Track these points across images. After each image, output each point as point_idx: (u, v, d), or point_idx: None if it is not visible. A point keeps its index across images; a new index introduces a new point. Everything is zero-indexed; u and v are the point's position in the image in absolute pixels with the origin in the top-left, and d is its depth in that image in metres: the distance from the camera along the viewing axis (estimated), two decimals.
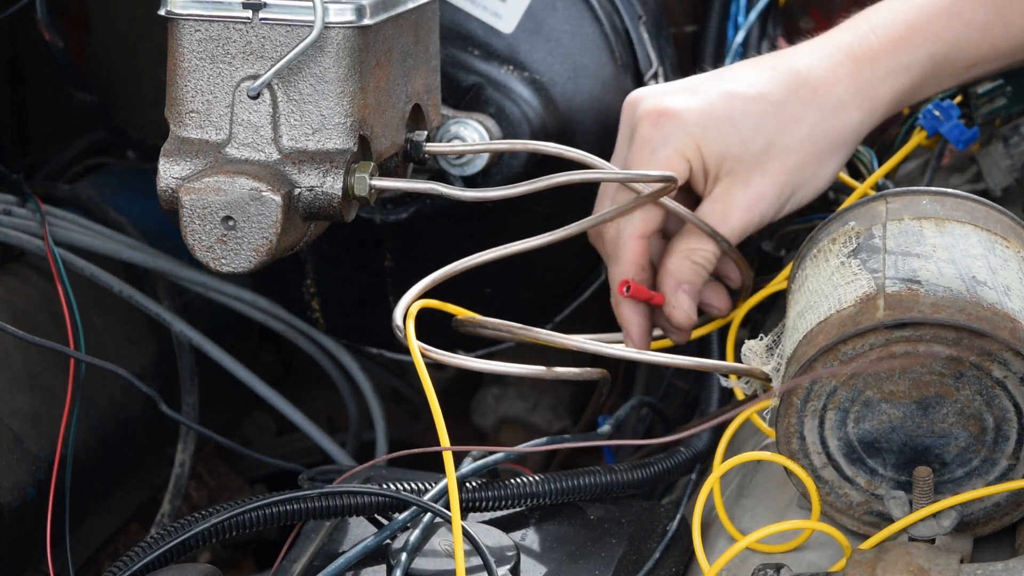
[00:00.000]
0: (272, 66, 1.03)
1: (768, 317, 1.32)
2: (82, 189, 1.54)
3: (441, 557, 0.98)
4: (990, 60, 1.21)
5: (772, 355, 1.06)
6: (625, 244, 1.16)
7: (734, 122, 1.16)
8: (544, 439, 1.16)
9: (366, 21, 1.04)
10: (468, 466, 1.08)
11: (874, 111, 1.19)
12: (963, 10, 1.19)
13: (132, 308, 1.42)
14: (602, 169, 1.11)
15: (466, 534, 0.95)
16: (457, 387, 1.71)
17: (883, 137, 1.32)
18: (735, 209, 1.16)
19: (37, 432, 1.27)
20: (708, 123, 1.15)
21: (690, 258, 1.16)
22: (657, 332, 1.22)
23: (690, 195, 1.19)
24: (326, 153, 1.05)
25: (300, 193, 1.04)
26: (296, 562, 1.04)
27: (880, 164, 1.29)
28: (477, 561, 0.96)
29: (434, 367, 1.08)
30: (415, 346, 0.99)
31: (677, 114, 1.16)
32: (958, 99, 1.29)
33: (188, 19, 1.05)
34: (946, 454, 0.96)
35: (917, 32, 1.20)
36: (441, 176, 1.26)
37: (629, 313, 1.17)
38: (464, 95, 1.28)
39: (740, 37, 1.43)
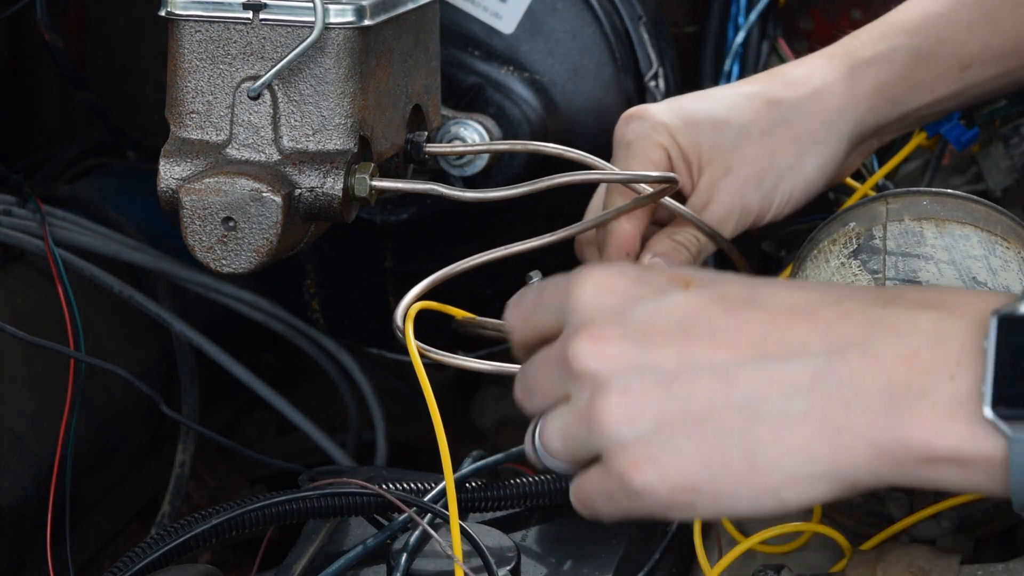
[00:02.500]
0: (272, 67, 1.03)
1: None
2: (82, 189, 1.54)
3: (441, 558, 0.98)
4: (985, 62, 1.20)
5: None
6: (612, 230, 1.15)
7: (706, 110, 1.16)
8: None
9: (366, 22, 1.04)
10: (468, 467, 1.08)
11: (856, 100, 1.17)
12: (944, 9, 1.19)
13: (132, 308, 1.42)
14: (602, 170, 1.11)
15: (466, 535, 0.95)
16: (457, 388, 1.71)
17: (880, 146, 1.32)
18: (716, 195, 1.15)
19: (37, 432, 1.27)
20: (679, 113, 1.15)
21: (671, 237, 1.15)
22: None
23: (680, 198, 1.18)
24: (326, 154, 1.05)
25: (300, 194, 1.04)
26: (297, 562, 1.04)
27: (880, 165, 1.29)
28: (477, 562, 0.96)
29: (434, 368, 1.08)
30: (413, 347, 0.99)
31: (647, 110, 1.16)
32: None
33: (188, 20, 1.05)
34: None
35: (896, 26, 1.19)
36: (441, 177, 1.26)
37: None
38: (464, 96, 1.28)
39: (740, 38, 1.43)
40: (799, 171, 1.16)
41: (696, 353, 0.80)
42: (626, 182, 1.13)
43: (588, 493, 0.84)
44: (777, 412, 0.78)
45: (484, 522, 1.06)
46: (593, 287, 0.83)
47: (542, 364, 0.86)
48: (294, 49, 1.03)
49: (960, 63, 1.19)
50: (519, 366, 1.06)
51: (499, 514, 1.08)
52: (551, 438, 0.85)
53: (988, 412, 0.74)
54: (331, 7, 1.03)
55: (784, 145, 1.15)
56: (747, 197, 1.15)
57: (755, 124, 1.15)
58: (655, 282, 0.84)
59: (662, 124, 1.14)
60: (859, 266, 1.00)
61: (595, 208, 1.19)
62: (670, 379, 0.80)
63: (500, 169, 1.28)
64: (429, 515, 1.00)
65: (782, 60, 1.41)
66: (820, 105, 1.16)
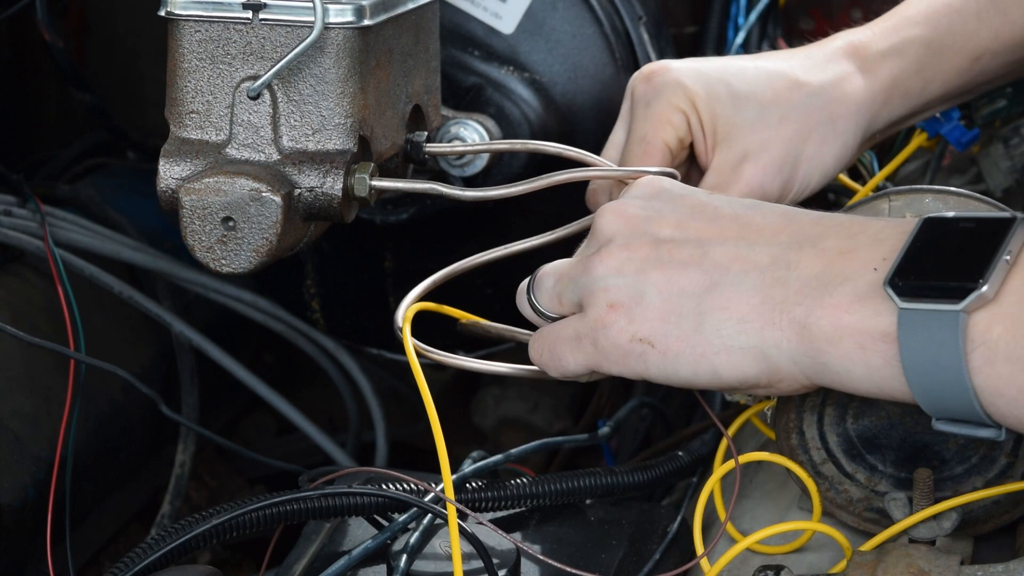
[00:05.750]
0: (272, 67, 1.03)
1: None
2: (82, 189, 1.54)
3: (442, 559, 0.98)
4: (996, 52, 1.19)
5: None
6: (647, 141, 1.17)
7: (728, 84, 1.15)
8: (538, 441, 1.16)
9: (366, 22, 1.04)
10: (468, 467, 1.08)
11: (873, 94, 1.17)
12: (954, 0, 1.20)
13: (132, 308, 1.42)
14: (602, 168, 1.11)
15: (467, 535, 0.95)
16: (457, 388, 1.71)
17: (884, 139, 1.32)
18: (736, 179, 1.14)
19: (37, 433, 1.27)
20: (700, 78, 1.15)
21: None
22: None
23: (695, 169, 1.18)
24: (326, 154, 1.05)
25: (300, 194, 1.04)
26: (297, 563, 1.04)
27: (881, 166, 1.29)
28: (478, 563, 0.96)
29: (434, 367, 1.08)
30: (411, 348, 0.99)
31: (669, 69, 1.16)
32: None
33: (188, 20, 1.05)
34: (945, 451, 0.96)
35: (907, 19, 1.20)
36: (441, 176, 1.26)
37: None
38: (464, 96, 1.28)
39: (740, 38, 1.43)
40: (819, 159, 1.16)
41: (691, 230, 0.95)
42: (626, 179, 1.13)
43: (555, 338, 0.98)
44: (732, 283, 0.92)
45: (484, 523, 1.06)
46: (645, 181, 1.01)
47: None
48: (294, 49, 1.03)
49: (972, 54, 1.18)
50: (520, 366, 1.06)
51: (499, 514, 1.08)
52: (545, 282, 1.01)
53: (886, 286, 0.84)
54: (331, 7, 1.03)
55: (805, 132, 1.15)
56: (767, 184, 1.15)
57: (775, 106, 1.15)
58: (691, 188, 1.00)
59: (684, 87, 1.14)
60: None
61: (614, 145, 1.18)
62: (661, 243, 0.95)
63: (500, 169, 1.28)
64: (430, 516, 1.00)
65: None
66: (841, 92, 1.16)
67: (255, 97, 1.04)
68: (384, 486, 1.02)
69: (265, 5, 1.04)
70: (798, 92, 1.16)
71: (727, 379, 0.92)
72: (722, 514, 1.04)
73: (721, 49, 1.44)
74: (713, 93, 1.15)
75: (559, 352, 0.98)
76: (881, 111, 1.18)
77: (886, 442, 0.97)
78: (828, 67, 1.17)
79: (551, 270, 1.01)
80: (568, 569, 0.97)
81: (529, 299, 1.02)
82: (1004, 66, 1.20)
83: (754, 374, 0.91)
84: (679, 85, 1.15)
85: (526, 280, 1.02)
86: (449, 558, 0.97)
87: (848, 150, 1.17)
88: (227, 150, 1.05)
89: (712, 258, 0.93)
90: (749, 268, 0.92)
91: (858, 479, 0.97)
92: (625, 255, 0.95)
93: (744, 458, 0.99)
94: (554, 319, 1.00)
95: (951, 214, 0.88)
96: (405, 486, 1.03)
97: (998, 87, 1.27)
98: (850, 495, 0.97)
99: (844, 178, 1.26)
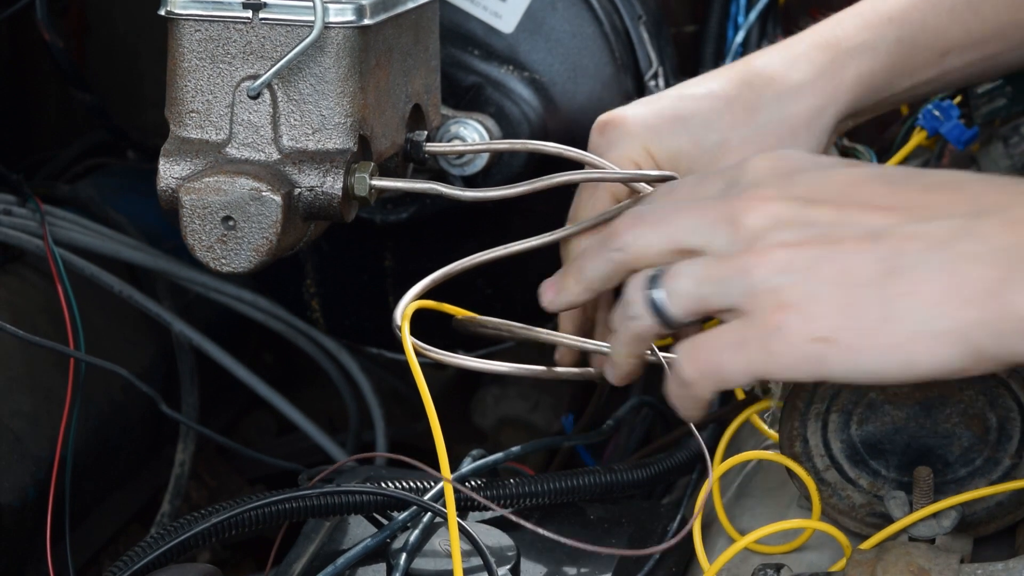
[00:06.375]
0: (272, 66, 1.03)
1: None
2: (82, 189, 1.54)
3: (442, 557, 0.98)
4: (965, 47, 1.20)
5: None
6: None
7: (682, 120, 1.15)
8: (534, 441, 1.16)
9: (366, 21, 1.04)
10: (467, 466, 1.08)
11: (837, 94, 1.17)
12: None
13: (132, 308, 1.42)
14: (602, 169, 1.11)
15: (466, 533, 0.95)
16: (457, 387, 1.71)
17: (883, 137, 1.32)
18: None
19: (37, 432, 1.27)
20: (655, 125, 1.15)
21: None
22: None
23: None
24: (326, 153, 1.05)
25: (300, 193, 1.04)
26: (296, 562, 1.04)
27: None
28: (477, 561, 0.96)
29: (434, 367, 1.08)
30: (409, 347, 0.99)
31: (623, 120, 1.16)
32: (958, 99, 1.29)
33: (188, 19, 1.05)
34: (949, 454, 0.96)
35: (880, 14, 1.19)
36: (441, 176, 1.26)
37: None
38: (464, 95, 1.28)
39: (740, 37, 1.43)
40: None
41: (850, 214, 0.87)
42: (626, 181, 1.13)
43: (712, 347, 0.89)
44: (914, 266, 0.84)
45: (484, 521, 1.06)
46: (769, 159, 0.92)
47: (688, 208, 0.91)
48: (294, 48, 1.03)
49: (941, 50, 1.19)
50: (520, 365, 1.06)
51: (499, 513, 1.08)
52: (681, 283, 0.90)
53: None
54: (331, 6, 1.03)
55: (769, 150, 1.15)
56: None
57: (734, 134, 1.15)
58: (824, 160, 0.93)
59: (637, 137, 1.14)
60: None
61: (582, 207, 1.18)
62: (823, 233, 0.86)
63: (500, 169, 1.28)
64: (429, 514, 1.00)
65: None
66: (801, 106, 1.16)
67: (255, 96, 1.04)
68: (383, 485, 1.02)
69: (265, 4, 1.04)
70: (756, 115, 1.16)
71: (923, 368, 0.85)
72: (721, 515, 1.04)
73: (721, 48, 1.45)
74: (670, 132, 1.15)
75: (719, 361, 0.89)
76: (845, 108, 1.18)
77: (890, 447, 0.97)
78: (786, 77, 1.17)
79: (686, 271, 0.90)
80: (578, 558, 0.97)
81: (652, 303, 0.91)
82: (966, 65, 1.21)
83: (954, 358, 0.84)
84: (633, 137, 1.15)
85: (636, 280, 0.92)
86: (449, 556, 0.97)
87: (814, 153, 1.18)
88: (227, 149, 1.05)
89: (885, 243, 0.85)
90: (931, 245, 0.84)
91: (861, 484, 0.97)
92: (786, 251, 0.87)
93: (744, 457, 0.99)
94: (671, 328, 0.92)
95: None
96: (404, 484, 1.04)
97: (997, 85, 1.27)
98: (853, 501, 0.97)
99: None
